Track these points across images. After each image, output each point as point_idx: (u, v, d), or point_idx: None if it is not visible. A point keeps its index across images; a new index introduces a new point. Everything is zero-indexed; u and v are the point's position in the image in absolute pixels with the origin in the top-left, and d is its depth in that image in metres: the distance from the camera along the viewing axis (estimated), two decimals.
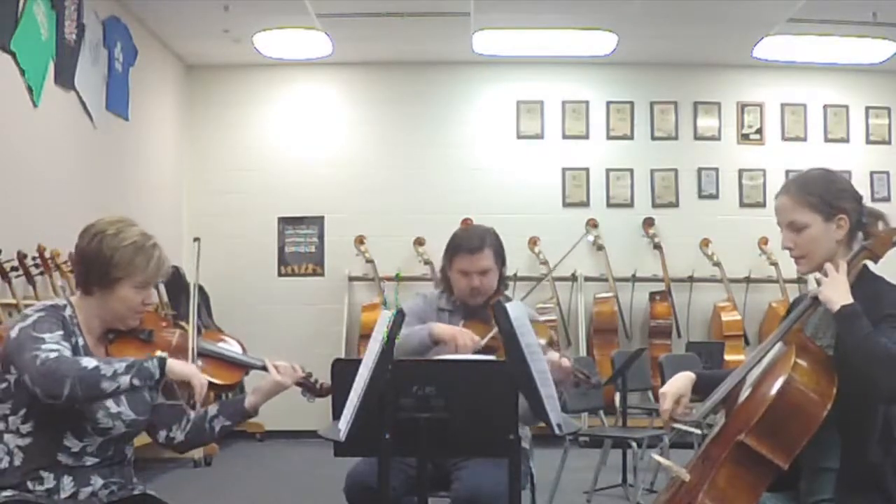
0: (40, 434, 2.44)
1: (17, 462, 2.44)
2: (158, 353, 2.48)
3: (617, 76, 8.23)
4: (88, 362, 2.36)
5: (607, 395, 6.13)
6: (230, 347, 2.91)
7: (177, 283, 7.37)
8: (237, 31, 7.15)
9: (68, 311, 2.53)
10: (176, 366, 2.48)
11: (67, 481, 2.46)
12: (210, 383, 2.69)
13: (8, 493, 2.42)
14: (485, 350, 3.21)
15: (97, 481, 2.51)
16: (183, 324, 2.91)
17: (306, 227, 8.19)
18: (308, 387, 2.84)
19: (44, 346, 2.37)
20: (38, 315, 2.46)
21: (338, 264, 8.09)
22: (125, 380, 2.37)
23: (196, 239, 2.93)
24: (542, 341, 3.02)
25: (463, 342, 3.18)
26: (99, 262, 2.51)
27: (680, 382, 2.51)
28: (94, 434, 2.48)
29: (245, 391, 2.87)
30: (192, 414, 2.72)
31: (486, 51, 7.65)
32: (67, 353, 2.40)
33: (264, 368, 2.78)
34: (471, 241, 3.39)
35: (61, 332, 2.44)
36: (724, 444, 2.33)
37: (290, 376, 2.77)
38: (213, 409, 2.73)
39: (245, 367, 2.85)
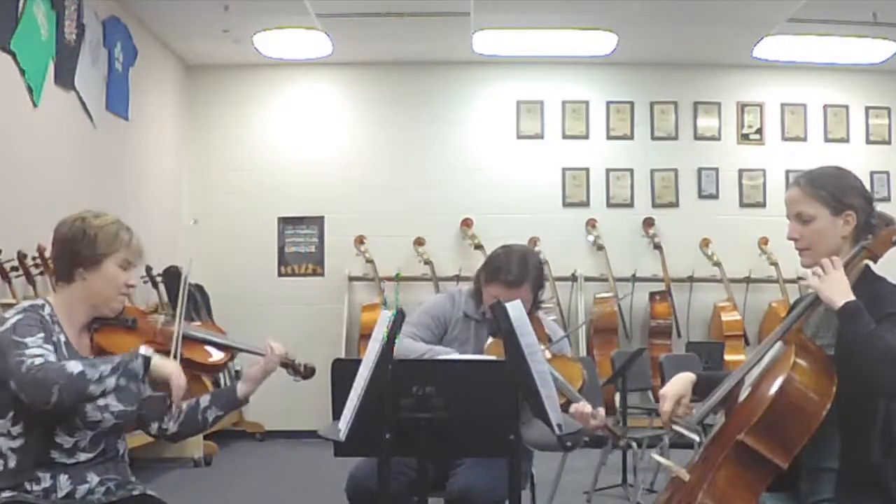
0: (31, 434, 2.45)
1: (11, 464, 2.45)
2: (143, 349, 2.47)
3: (617, 76, 8.23)
4: (74, 367, 2.35)
5: (607, 395, 6.13)
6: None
7: (177, 283, 7.37)
8: (237, 31, 7.15)
9: (47, 310, 2.53)
10: (159, 364, 2.49)
11: (64, 479, 2.47)
12: (198, 364, 2.76)
13: (6, 494, 2.43)
14: None
15: (93, 478, 2.51)
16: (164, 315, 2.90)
17: (306, 227, 8.19)
18: (294, 368, 2.88)
19: (28, 352, 2.36)
20: (17, 318, 2.46)
21: (338, 264, 8.09)
22: (111, 381, 2.39)
23: (195, 221, 2.96)
24: (574, 387, 2.93)
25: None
26: (84, 241, 2.55)
27: (680, 383, 2.51)
28: (85, 428, 2.49)
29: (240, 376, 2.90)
30: (185, 405, 2.73)
31: (486, 51, 7.65)
32: (52, 357, 2.40)
33: (260, 354, 2.80)
34: (509, 272, 3.23)
35: (42, 335, 2.44)
36: (724, 443, 2.33)
37: (277, 359, 2.81)
38: (205, 399, 2.76)
39: (233, 351, 2.87)
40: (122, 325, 2.66)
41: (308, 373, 2.90)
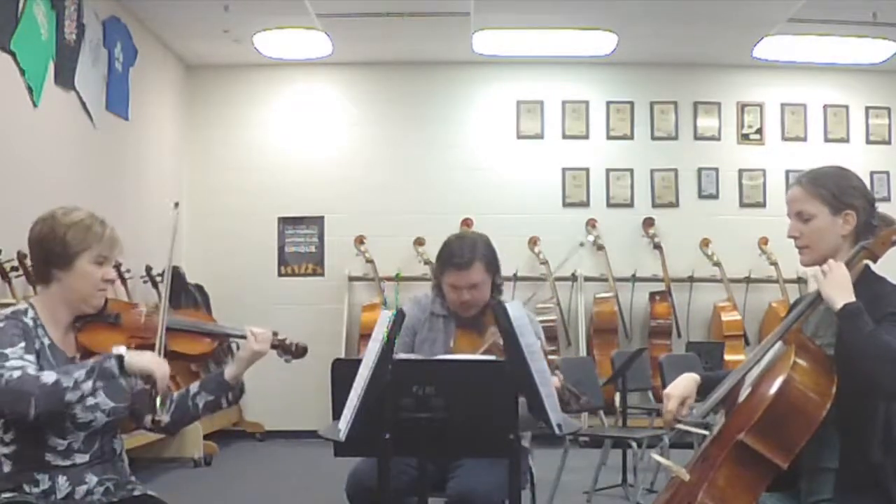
0: (23, 439, 2.45)
1: (6, 469, 2.46)
2: (115, 348, 2.43)
3: (617, 76, 8.23)
4: (48, 377, 2.32)
5: (607, 395, 6.13)
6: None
7: (176, 283, 7.37)
8: (237, 31, 7.15)
9: (31, 314, 2.52)
10: (135, 360, 2.43)
11: (62, 481, 2.47)
12: (185, 355, 2.74)
13: (6, 495, 2.43)
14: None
15: (91, 479, 2.51)
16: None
17: (306, 227, 8.19)
18: (284, 348, 2.84)
19: (7, 364, 2.34)
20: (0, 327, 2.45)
21: (338, 264, 8.09)
22: (87, 385, 2.35)
23: (176, 204, 2.92)
24: None
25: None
26: (54, 241, 2.52)
27: (685, 384, 2.51)
28: (76, 430, 2.49)
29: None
30: (175, 394, 2.73)
31: (486, 51, 7.65)
32: (31, 368, 2.38)
33: (241, 337, 2.78)
34: (461, 255, 3.29)
35: (23, 344, 2.42)
36: (724, 443, 2.33)
37: (266, 342, 2.77)
38: (194, 386, 2.75)
39: (220, 338, 2.85)
40: (105, 321, 2.65)
41: (300, 352, 2.85)
